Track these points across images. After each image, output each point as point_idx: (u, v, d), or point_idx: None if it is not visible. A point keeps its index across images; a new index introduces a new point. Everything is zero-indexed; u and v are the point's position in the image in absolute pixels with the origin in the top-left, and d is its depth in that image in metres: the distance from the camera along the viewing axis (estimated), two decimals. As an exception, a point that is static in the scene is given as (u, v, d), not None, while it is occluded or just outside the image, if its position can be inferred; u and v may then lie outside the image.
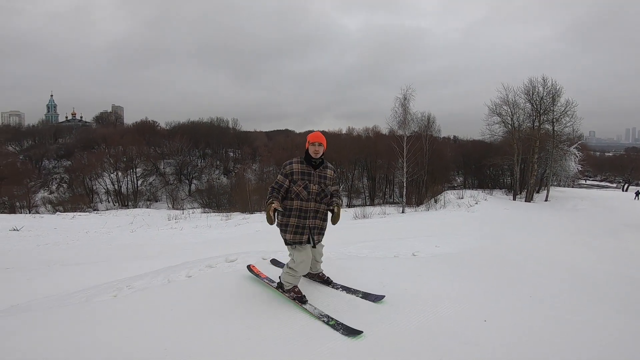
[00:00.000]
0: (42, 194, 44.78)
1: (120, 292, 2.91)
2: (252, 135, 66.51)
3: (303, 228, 2.83)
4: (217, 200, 37.60)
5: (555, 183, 28.21)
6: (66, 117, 73.62)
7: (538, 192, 26.54)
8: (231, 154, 60.14)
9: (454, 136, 64.55)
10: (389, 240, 6.70)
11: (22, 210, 34.16)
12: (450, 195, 22.88)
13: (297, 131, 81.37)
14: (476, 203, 19.33)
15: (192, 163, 54.51)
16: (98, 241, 11.28)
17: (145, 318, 2.53)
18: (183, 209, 29.65)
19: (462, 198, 21.66)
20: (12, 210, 33.26)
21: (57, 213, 26.06)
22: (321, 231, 2.97)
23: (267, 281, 3.17)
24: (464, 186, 41.29)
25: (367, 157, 45.67)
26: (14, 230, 13.69)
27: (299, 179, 2.84)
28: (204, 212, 25.49)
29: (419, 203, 22.90)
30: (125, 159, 47.91)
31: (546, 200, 23.25)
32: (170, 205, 39.12)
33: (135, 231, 14.78)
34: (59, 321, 2.45)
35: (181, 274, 3.22)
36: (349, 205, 40.46)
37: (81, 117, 73.42)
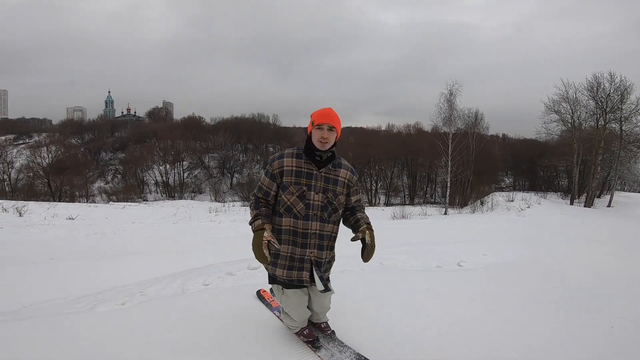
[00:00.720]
0: (98, 184, 48.55)
1: (131, 300, 2.74)
2: (291, 130, 67.21)
3: (302, 261, 1.85)
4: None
5: (619, 187, 25.33)
6: (122, 112, 79.26)
7: (599, 196, 23.96)
8: (271, 149, 61.18)
9: (503, 134, 60.62)
10: (431, 245, 6.14)
11: (81, 199, 37.23)
12: (498, 197, 21.31)
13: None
14: (528, 207, 17.78)
15: (235, 157, 56.24)
16: (141, 232, 11.73)
17: (134, 341, 2.13)
18: (224, 202, 30.55)
19: (512, 201, 20.07)
20: (72, 199, 36.35)
21: (110, 203, 27.99)
22: (329, 266, 2.01)
23: (277, 313, 2.47)
24: (514, 188, 38.55)
25: (408, 155, 44.18)
26: (70, 219, 14.72)
27: (291, 182, 1.83)
28: (243, 206, 26.04)
29: (462, 204, 21.60)
30: (173, 153, 50.49)
31: (609, 205, 20.88)
32: (212, 198, 40.62)
33: (177, 223, 15.31)
34: (38, 336, 2.18)
35: (199, 280, 3.02)
36: (387, 204, 39.56)
37: (135, 112, 78.63)
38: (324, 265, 1.93)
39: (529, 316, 2.76)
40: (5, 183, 40.43)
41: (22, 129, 63.43)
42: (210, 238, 10.27)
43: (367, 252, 1.80)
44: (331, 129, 1.85)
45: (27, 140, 57.52)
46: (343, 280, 3.27)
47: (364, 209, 2.06)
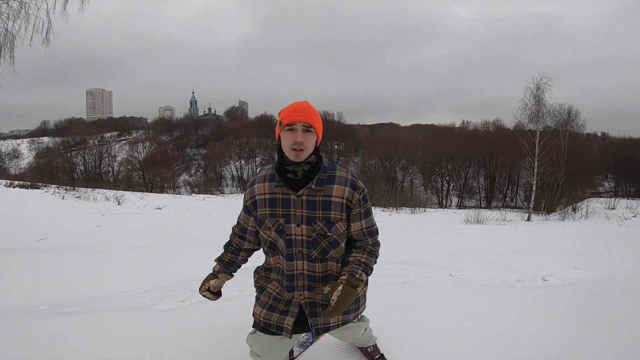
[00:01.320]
0: (183, 177, 53.98)
1: (191, 297, 2.81)
2: (356, 128, 66.94)
3: (289, 304, 1.41)
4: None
5: None
6: (204, 112, 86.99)
7: None
8: (335, 147, 61.62)
9: (603, 133, 52.53)
10: (510, 255, 5.45)
11: (168, 191, 41.72)
12: (595, 203, 18.41)
13: (402, 124, 78.56)
14: (634, 216, 15.03)
15: (301, 155, 58.01)
16: (217, 224, 12.53)
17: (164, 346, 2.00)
18: (290, 198, 31.51)
19: (613, 208, 17.17)
20: (161, 190, 40.90)
21: (192, 194, 30.82)
22: (322, 305, 1.41)
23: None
24: (615, 194, 33.07)
25: (486, 154, 40.74)
26: (158, 209, 16.48)
27: (266, 215, 1.37)
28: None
29: (550, 210, 19.13)
30: (247, 149, 53.84)
31: None
32: (280, 194, 42.36)
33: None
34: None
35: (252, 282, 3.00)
36: (460, 206, 37.04)
37: (215, 111, 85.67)
38: (321, 307, 1.40)
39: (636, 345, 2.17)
40: (109, 174, 47.08)
41: (123, 126, 73.11)
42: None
43: (326, 312, 1.29)
44: (308, 128, 1.29)
45: (127, 137, 66.06)
46: (404, 293, 2.98)
47: (371, 244, 1.43)
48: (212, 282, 1.48)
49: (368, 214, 1.42)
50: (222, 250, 1.55)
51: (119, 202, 17.30)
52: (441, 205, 36.80)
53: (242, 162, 53.42)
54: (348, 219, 1.39)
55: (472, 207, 28.41)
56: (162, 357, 1.93)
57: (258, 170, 53.07)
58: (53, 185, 22.48)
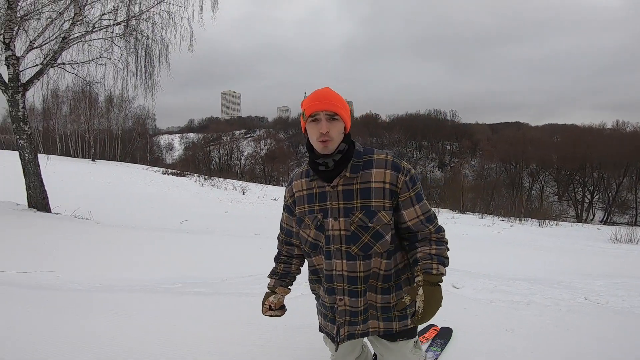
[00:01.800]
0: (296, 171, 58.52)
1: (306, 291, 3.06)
2: (473, 127, 60.96)
3: (333, 311, 1.28)
4: (427, 194, 37.05)
5: None
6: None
7: None
8: (448, 147, 57.54)
9: None
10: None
11: (283, 184, 45.76)
12: None
13: (532, 124, 68.18)
14: None
15: (408, 154, 56.03)
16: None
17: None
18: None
19: None
20: (277, 183, 45.14)
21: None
22: (367, 313, 1.26)
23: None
24: None
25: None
26: (274, 200, 18.30)
27: (305, 213, 1.26)
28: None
29: None
30: (352, 148, 55.13)
31: None
32: (384, 193, 41.96)
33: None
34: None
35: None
36: (605, 222, 30.45)
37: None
38: (361, 315, 1.25)
39: None
40: (237, 167, 54.16)
41: (249, 125, 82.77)
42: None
43: (415, 320, 1.12)
44: (333, 116, 1.16)
45: (252, 134, 74.61)
46: (525, 314, 2.61)
47: (434, 232, 1.21)
48: (271, 299, 1.37)
49: (420, 197, 1.20)
50: (274, 264, 1.45)
51: (243, 191, 19.86)
52: (579, 220, 30.80)
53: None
54: (397, 207, 1.19)
55: (623, 224, 22.88)
56: (269, 349, 2.04)
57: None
58: (195, 174, 27.21)
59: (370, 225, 1.17)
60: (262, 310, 1.38)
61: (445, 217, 17.15)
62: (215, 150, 58.14)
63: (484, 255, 7.27)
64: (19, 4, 6.81)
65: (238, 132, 73.62)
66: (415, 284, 1.14)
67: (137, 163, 32.76)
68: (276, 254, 1.45)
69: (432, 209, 1.24)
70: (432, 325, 2.34)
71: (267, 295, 1.39)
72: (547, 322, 2.47)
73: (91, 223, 7.16)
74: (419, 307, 1.10)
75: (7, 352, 1.88)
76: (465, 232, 12.20)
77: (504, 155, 46.05)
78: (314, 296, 1.41)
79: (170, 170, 27.64)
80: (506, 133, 54.86)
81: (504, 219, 17.96)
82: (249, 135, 73.04)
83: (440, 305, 1.12)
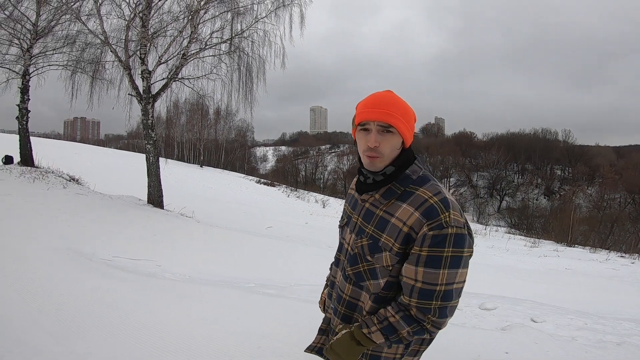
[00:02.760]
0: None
1: None
2: (591, 150, 52.07)
3: (328, 321, 1.24)
4: (528, 223, 32.85)
5: None
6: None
7: None
8: (558, 172, 50.24)
9: None
10: None
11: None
12: None
13: (674, 147, 55.44)
14: None
15: (508, 178, 50.62)
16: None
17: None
18: (487, 225, 28.22)
19: None
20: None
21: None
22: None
23: None
24: None
25: None
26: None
27: (343, 210, 1.23)
28: (508, 233, 22.97)
29: None
30: (442, 168, 52.03)
31: None
32: (475, 219, 38.48)
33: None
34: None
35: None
36: None
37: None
38: (333, 335, 1.15)
39: None
40: (321, 181, 56.00)
41: (334, 140, 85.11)
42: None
43: (326, 349, 1.07)
44: (387, 128, 0.98)
45: (336, 150, 76.60)
46: (608, 358, 2.26)
47: (416, 307, 0.95)
48: (326, 291, 1.29)
49: (437, 264, 0.92)
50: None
51: (324, 205, 20.52)
52: None
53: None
54: (404, 256, 0.99)
55: None
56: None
57: (451, 191, 50.18)
58: (283, 185, 29.10)
59: (369, 258, 1.03)
60: (319, 304, 1.33)
61: (546, 250, 15.04)
62: (302, 163, 61.23)
63: (586, 292, 6.23)
64: (150, 22, 8.24)
65: (323, 146, 76.30)
66: (350, 325, 1.07)
67: (236, 171, 36.51)
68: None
69: (458, 285, 0.95)
70: None
71: (324, 288, 1.34)
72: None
73: (192, 221, 8.28)
74: (332, 339, 1.09)
75: (113, 319, 2.36)
76: (569, 267, 10.54)
77: (631, 185, 38.30)
78: None
79: (262, 180, 30.15)
80: (636, 157, 45.62)
81: (623, 255, 15.01)
82: (333, 151, 75.05)
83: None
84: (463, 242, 0.93)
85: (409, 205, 0.97)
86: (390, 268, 1.00)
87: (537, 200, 46.77)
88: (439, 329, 0.98)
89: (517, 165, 51.90)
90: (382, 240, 1.00)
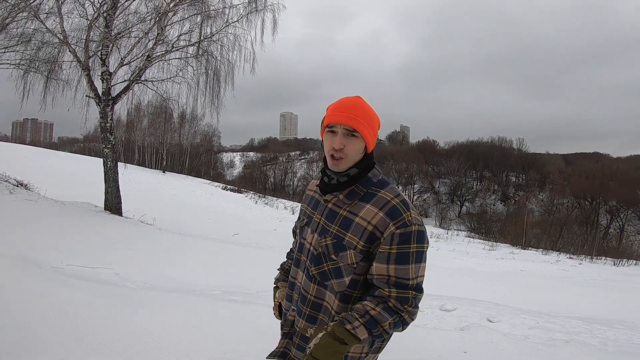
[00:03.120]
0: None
1: None
2: (543, 158, 56.06)
3: (285, 319, 1.23)
4: (486, 227, 34.59)
5: None
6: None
7: None
8: (513, 179, 53.53)
9: None
10: None
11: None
12: None
13: (614, 155, 60.95)
14: None
15: (467, 185, 53.15)
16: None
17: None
18: (448, 229, 29.41)
19: None
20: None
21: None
22: (305, 343, 1.10)
23: None
24: None
25: None
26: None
27: (302, 211, 1.25)
28: (468, 237, 24.08)
29: None
30: (406, 175, 53.69)
31: None
32: (437, 223, 39.97)
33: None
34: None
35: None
36: None
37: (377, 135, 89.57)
38: (298, 338, 1.14)
39: None
40: (290, 188, 55.76)
41: (304, 146, 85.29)
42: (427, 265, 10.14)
43: (317, 347, 0.99)
44: (352, 132, 1.04)
45: (306, 156, 76.78)
46: (559, 355, 2.42)
47: (395, 298, 1.00)
48: (277, 294, 1.29)
49: (406, 259, 0.99)
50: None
51: (293, 211, 20.41)
52: None
53: (400, 187, 53.56)
54: (370, 256, 1.04)
55: None
56: None
57: (415, 197, 51.86)
58: (251, 192, 28.63)
59: (333, 257, 1.06)
60: (274, 310, 1.31)
61: (503, 252, 15.94)
62: (271, 169, 60.71)
63: (539, 292, 6.68)
64: (114, 22, 7.89)
65: (293, 153, 76.23)
66: (325, 326, 1.05)
67: (201, 177, 35.43)
68: (290, 250, 1.37)
69: (421, 277, 1.02)
70: None
71: (274, 292, 1.33)
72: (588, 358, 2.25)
73: (153, 229, 7.93)
74: (308, 347, 1.02)
75: (66, 332, 2.22)
76: (523, 268, 11.23)
77: (578, 190, 41.61)
78: None
79: (229, 186, 29.47)
80: (582, 165, 49.74)
81: (572, 256, 16.28)
82: (302, 157, 75.18)
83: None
84: (423, 238, 1.02)
85: (372, 206, 1.02)
86: (355, 265, 1.04)
87: (494, 205, 49.45)
88: (413, 320, 1.03)
89: (476, 172, 54.63)
90: (347, 238, 1.04)
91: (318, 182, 1.19)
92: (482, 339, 2.57)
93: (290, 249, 1.36)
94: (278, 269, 1.38)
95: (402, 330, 1.05)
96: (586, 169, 46.02)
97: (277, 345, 1.22)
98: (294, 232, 1.31)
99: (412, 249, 0.99)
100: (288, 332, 1.20)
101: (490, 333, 2.75)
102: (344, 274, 1.06)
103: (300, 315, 1.14)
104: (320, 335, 1.01)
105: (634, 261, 15.58)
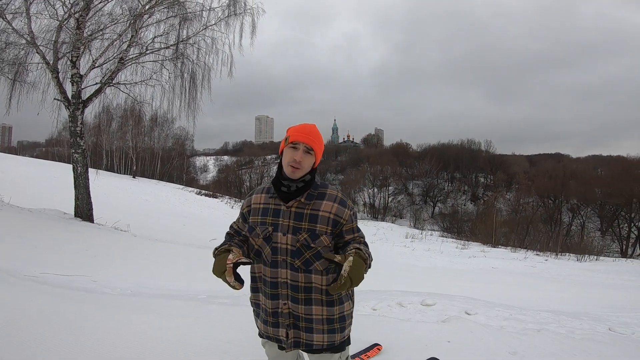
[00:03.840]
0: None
1: None
2: (509, 159, 58.79)
3: (276, 316, 1.45)
4: (458, 227, 35.82)
5: None
6: (343, 139, 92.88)
7: None
8: (481, 179, 55.74)
9: None
10: None
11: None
12: None
13: (574, 155, 64.91)
14: None
15: (439, 186, 54.78)
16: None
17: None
18: (422, 230, 30.25)
19: None
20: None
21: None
22: (312, 324, 1.42)
23: None
24: None
25: None
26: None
27: (257, 223, 1.45)
28: (442, 236, 24.88)
29: None
30: (381, 177, 54.67)
31: None
32: (412, 224, 40.95)
33: (374, 242, 16.43)
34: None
35: (369, 304, 3.18)
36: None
37: (353, 139, 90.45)
38: (298, 320, 1.43)
39: None
40: (266, 191, 55.36)
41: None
42: (401, 263, 10.42)
43: (337, 284, 1.22)
44: (309, 150, 1.40)
45: (282, 161, 76.37)
46: (533, 342, 2.59)
47: (365, 245, 1.42)
48: (231, 255, 1.33)
49: (358, 228, 1.48)
50: (225, 241, 1.53)
51: (269, 215, 20.28)
52: (624, 255, 28.70)
53: (375, 189, 54.36)
54: (340, 234, 1.43)
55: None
56: None
57: (390, 199, 52.87)
58: (226, 197, 28.15)
59: (312, 245, 1.39)
60: (227, 270, 1.31)
61: (474, 251, 16.59)
62: (247, 173, 59.96)
63: (510, 288, 7.06)
64: (86, 24, 7.58)
65: (269, 156, 75.72)
66: (347, 254, 1.30)
67: (173, 182, 34.46)
68: (225, 236, 1.56)
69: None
70: (375, 345, 2.49)
71: (225, 255, 1.36)
72: (555, 347, 2.46)
73: (128, 235, 7.68)
74: (344, 270, 1.23)
75: (47, 339, 2.14)
76: (495, 266, 11.75)
77: (542, 190, 43.90)
78: (252, 305, 1.57)
79: (203, 191, 28.85)
80: (545, 165, 52.44)
81: (538, 253, 17.18)
82: (279, 161, 74.94)
83: (363, 278, 1.27)
84: (356, 214, 1.51)
85: (327, 201, 1.42)
86: (330, 245, 1.41)
87: (465, 205, 51.32)
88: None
89: (447, 174, 56.45)
90: (318, 228, 1.40)
91: (265, 196, 1.48)
92: (462, 330, 2.74)
93: (229, 236, 1.57)
94: (226, 242, 1.51)
95: (370, 262, 1.38)
96: (549, 169, 48.39)
97: (273, 334, 1.47)
98: (238, 232, 1.55)
99: (357, 221, 1.48)
100: (291, 323, 1.43)
101: (469, 324, 2.93)
102: (323, 254, 1.36)
103: (297, 302, 1.41)
104: (351, 258, 1.27)
105: (595, 257, 16.63)
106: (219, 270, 1.34)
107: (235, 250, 1.38)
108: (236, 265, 1.33)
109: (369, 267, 1.36)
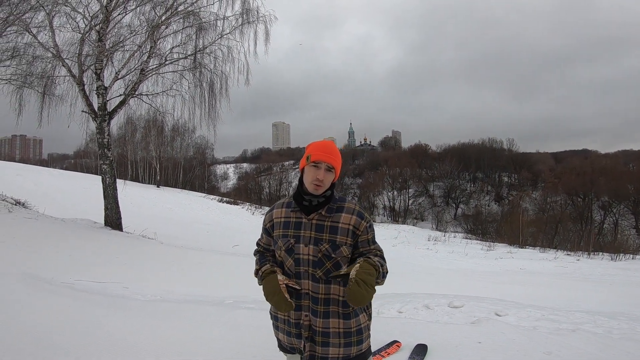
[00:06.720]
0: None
1: None
2: (533, 157, 56.90)
3: (298, 327, 1.47)
4: (482, 228, 34.83)
5: None
6: (360, 142, 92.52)
7: None
8: (505, 179, 54.15)
9: None
10: None
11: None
12: None
13: (603, 151, 62.04)
14: None
15: (461, 187, 53.56)
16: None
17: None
18: (445, 232, 29.64)
19: None
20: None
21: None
22: (328, 338, 1.45)
23: None
24: None
25: None
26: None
27: (279, 236, 1.50)
28: (465, 238, 24.27)
29: None
30: (400, 180, 54.02)
31: None
32: (434, 226, 40.18)
33: (396, 246, 16.23)
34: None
35: (395, 306, 3.14)
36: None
37: (370, 142, 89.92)
38: (319, 334, 1.44)
39: None
40: (285, 198, 55.75)
41: (298, 155, 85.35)
42: (426, 266, 10.24)
43: (350, 292, 1.27)
44: (330, 169, 1.46)
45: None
46: (569, 342, 2.48)
47: (380, 255, 1.47)
48: (280, 276, 1.42)
49: (374, 240, 1.53)
50: (259, 260, 1.58)
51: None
52: None
53: (395, 192, 53.71)
54: (356, 245, 1.48)
55: None
56: None
57: (410, 201, 52.06)
58: (247, 203, 28.57)
59: (333, 255, 1.44)
60: (281, 289, 1.38)
61: (501, 252, 16.10)
62: (266, 180, 60.64)
63: (540, 289, 6.79)
64: (107, 36, 7.89)
65: (287, 162, 76.36)
66: (363, 264, 1.34)
67: (195, 191, 35.22)
68: (259, 254, 1.60)
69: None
70: (395, 342, 2.48)
71: (273, 276, 1.42)
72: (592, 347, 2.35)
73: (156, 242, 7.92)
74: (352, 274, 1.29)
75: (85, 345, 2.25)
76: (522, 267, 11.37)
77: (569, 187, 42.21)
78: (272, 319, 1.58)
79: (224, 199, 29.38)
80: (572, 162, 50.51)
81: (569, 253, 16.46)
82: (296, 167, 75.26)
83: (374, 282, 1.30)
84: (373, 226, 1.54)
85: (346, 214, 1.48)
86: (349, 256, 1.47)
87: (488, 206, 49.90)
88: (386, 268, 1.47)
89: (469, 174, 55.12)
90: (338, 239, 1.45)
91: (285, 210, 1.53)
92: (493, 331, 2.67)
93: (256, 250, 1.64)
94: (265, 261, 1.55)
95: (384, 278, 1.43)
96: (576, 166, 46.63)
97: (299, 344, 1.48)
98: (266, 249, 1.59)
99: (373, 232, 1.52)
100: (309, 335, 1.46)
101: (500, 325, 2.85)
102: (343, 265, 1.45)
103: (316, 315, 1.45)
104: (357, 265, 1.33)
105: (631, 255, 15.79)
106: (272, 291, 1.40)
107: (279, 271, 1.46)
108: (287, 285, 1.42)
109: (383, 277, 1.41)
